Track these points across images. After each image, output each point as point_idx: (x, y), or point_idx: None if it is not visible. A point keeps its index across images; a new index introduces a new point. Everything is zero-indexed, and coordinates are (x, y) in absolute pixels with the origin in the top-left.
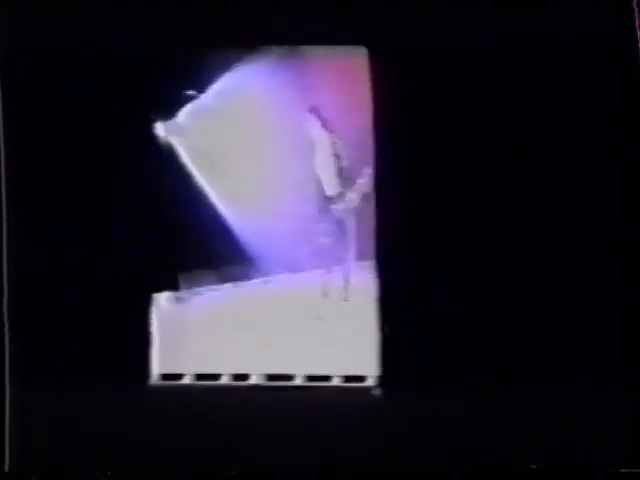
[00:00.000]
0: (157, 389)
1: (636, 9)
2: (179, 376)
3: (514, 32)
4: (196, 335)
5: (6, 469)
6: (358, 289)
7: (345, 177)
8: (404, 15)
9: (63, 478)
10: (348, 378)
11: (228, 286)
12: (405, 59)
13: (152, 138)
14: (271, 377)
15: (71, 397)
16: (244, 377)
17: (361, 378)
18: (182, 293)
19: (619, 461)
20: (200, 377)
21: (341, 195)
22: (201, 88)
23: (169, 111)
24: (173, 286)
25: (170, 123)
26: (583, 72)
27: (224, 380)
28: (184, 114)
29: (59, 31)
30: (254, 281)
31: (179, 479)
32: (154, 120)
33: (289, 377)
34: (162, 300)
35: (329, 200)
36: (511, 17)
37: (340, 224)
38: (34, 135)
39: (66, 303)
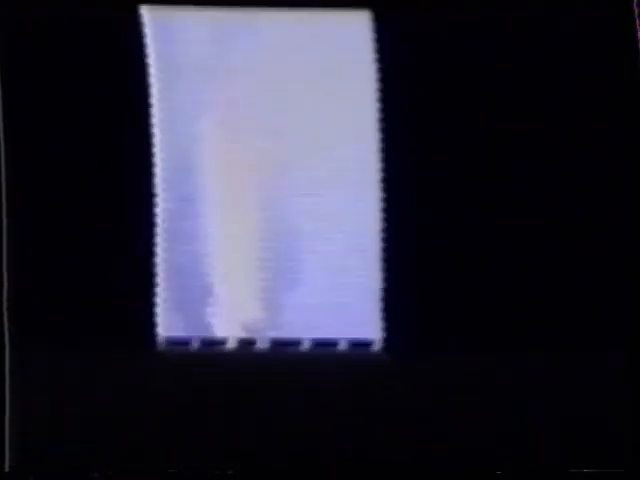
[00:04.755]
0: (162, 355)
1: (636, 9)
2: (186, 341)
3: (514, 32)
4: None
5: (6, 469)
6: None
7: None
8: None
9: (63, 478)
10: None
11: None
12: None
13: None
14: (277, 342)
15: (71, 397)
16: (250, 342)
17: (368, 343)
18: None
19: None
20: (206, 342)
21: None
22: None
23: None
24: None
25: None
26: (583, 72)
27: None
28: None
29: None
30: None
31: (180, 478)
32: None
33: (296, 342)
34: None
35: None
36: (511, 17)
37: None
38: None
39: (69, 302)
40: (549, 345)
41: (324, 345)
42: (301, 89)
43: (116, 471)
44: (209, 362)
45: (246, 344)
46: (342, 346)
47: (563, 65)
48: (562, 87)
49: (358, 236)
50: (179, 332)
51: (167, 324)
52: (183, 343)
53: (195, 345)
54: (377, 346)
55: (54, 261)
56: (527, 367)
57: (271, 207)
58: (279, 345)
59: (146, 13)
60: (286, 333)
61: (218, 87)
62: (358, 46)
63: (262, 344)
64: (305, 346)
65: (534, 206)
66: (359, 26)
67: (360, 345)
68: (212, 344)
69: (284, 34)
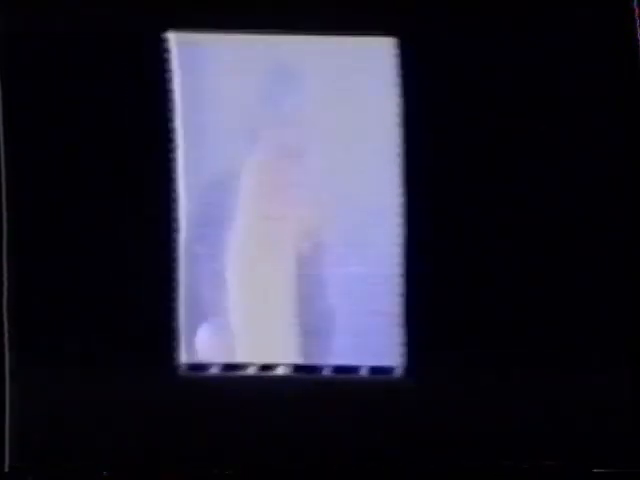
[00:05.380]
0: (182, 379)
1: (636, 9)
2: (206, 366)
3: (513, 32)
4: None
5: (6, 469)
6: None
7: None
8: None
9: (63, 478)
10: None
11: None
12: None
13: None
14: (298, 368)
15: (72, 397)
16: (270, 367)
17: (388, 369)
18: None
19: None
20: (228, 367)
21: None
22: None
23: None
24: None
25: None
26: (583, 72)
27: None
28: None
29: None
30: None
31: (180, 478)
32: None
33: (317, 368)
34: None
35: None
36: (510, 17)
37: None
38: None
39: (71, 287)
40: (567, 366)
41: (345, 371)
42: (326, 117)
43: (116, 471)
44: (230, 387)
45: (267, 370)
46: (363, 372)
47: (563, 65)
48: (562, 87)
49: (379, 261)
50: (200, 357)
51: (188, 349)
52: (204, 368)
53: (216, 370)
54: (398, 373)
55: (73, 287)
56: (546, 391)
57: (292, 231)
58: (300, 371)
59: (172, 38)
60: (306, 359)
61: (243, 116)
62: (382, 72)
63: (282, 370)
64: (326, 372)
65: (557, 232)
66: (384, 52)
67: (381, 372)
68: (233, 369)
69: (308, 60)
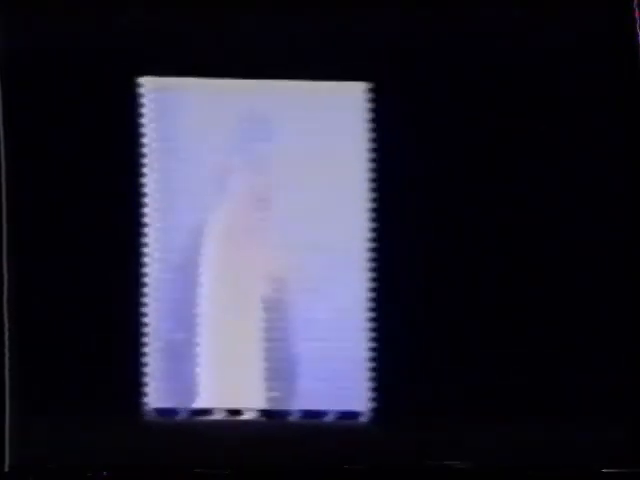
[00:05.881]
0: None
1: (636, 9)
2: (173, 411)
3: (513, 32)
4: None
5: (6, 469)
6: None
7: None
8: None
9: (63, 478)
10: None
11: None
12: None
13: None
14: (266, 413)
15: (72, 397)
16: (238, 412)
17: (355, 414)
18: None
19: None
20: (194, 412)
21: None
22: None
23: None
24: None
25: None
26: (583, 72)
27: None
28: None
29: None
30: None
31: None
32: None
33: (285, 413)
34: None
35: None
36: (511, 17)
37: None
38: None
39: (68, 299)
40: (547, 415)
41: (312, 416)
42: (296, 161)
43: (116, 471)
44: (196, 432)
45: (233, 414)
46: (330, 417)
47: (563, 65)
48: (562, 87)
49: (347, 307)
50: (167, 403)
51: (155, 394)
52: (171, 413)
53: (183, 415)
54: (365, 417)
55: (50, 325)
56: (527, 438)
57: (260, 277)
58: (267, 416)
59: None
60: (274, 405)
61: (214, 159)
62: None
63: (250, 415)
64: (294, 417)
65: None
66: (355, 97)
67: (348, 416)
68: (199, 414)
69: (279, 106)
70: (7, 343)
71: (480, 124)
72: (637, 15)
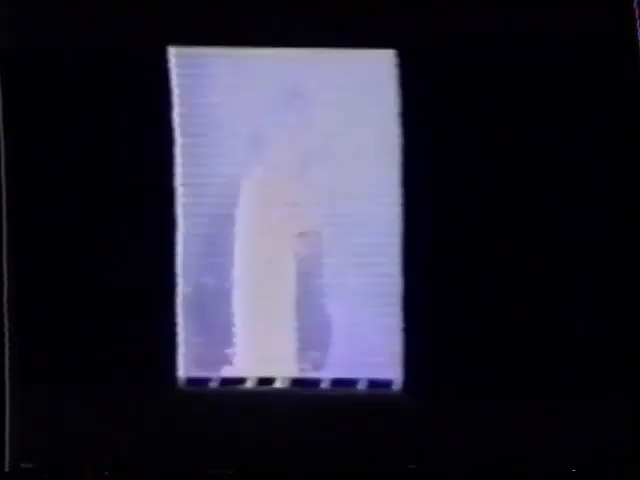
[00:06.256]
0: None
1: (636, 9)
2: (205, 380)
3: (514, 33)
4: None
5: (6, 469)
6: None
7: None
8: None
9: (63, 478)
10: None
11: None
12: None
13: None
14: (296, 382)
15: (72, 396)
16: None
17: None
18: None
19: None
20: (225, 381)
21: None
22: None
23: None
24: None
25: None
26: (583, 72)
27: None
28: None
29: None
30: None
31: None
32: None
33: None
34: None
35: None
36: (511, 17)
37: None
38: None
39: (73, 298)
40: (560, 392)
41: (343, 384)
42: (328, 126)
43: (116, 471)
44: (228, 401)
45: (265, 383)
46: (361, 385)
47: (563, 65)
48: (562, 87)
49: (380, 273)
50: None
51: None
52: (203, 382)
53: (215, 384)
54: (396, 386)
55: (78, 303)
56: (542, 412)
57: (291, 247)
58: (298, 384)
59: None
60: (307, 373)
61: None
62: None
63: (282, 383)
64: (324, 385)
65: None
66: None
67: (379, 385)
68: (232, 383)
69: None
70: (7, 343)
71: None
72: (637, 15)
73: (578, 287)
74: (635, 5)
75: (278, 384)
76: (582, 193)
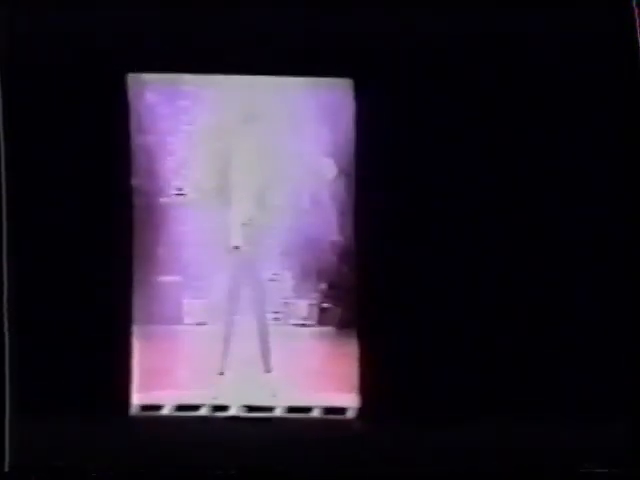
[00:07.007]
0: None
1: (636, 9)
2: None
3: (514, 33)
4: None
5: (6, 469)
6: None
7: None
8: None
9: (63, 478)
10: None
11: None
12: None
13: None
14: (251, 408)
15: (72, 396)
16: (224, 408)
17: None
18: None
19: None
20: (180, 408)
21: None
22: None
23: None
24: None
25: None
26: (583, 72)
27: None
28: None
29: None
30: None
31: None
32: None
33: (269, 409)
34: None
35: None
36: (511, 17)
37: None
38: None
39: (63, 295)
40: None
41: (298, 411)
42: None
43: (116, 471)
44: (182, 427)
45: (219, 410)
46: (316, 413)
47: (563, 65)
48: (562, 87)
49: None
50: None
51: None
52: (156, 409)
53: (168, 411)
54: (351, 413)
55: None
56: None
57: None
58: (252, 411)
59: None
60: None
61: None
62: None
63: (235, 410)
64: (278, 412)
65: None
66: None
67: (334, 412)
68: (185, 409)
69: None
70: (7, 344)
71: (478, 124)
72: (637, 15)
73: (576, 288)
74: (635, 5)
75: (233, 411)
76: (582, 193)
